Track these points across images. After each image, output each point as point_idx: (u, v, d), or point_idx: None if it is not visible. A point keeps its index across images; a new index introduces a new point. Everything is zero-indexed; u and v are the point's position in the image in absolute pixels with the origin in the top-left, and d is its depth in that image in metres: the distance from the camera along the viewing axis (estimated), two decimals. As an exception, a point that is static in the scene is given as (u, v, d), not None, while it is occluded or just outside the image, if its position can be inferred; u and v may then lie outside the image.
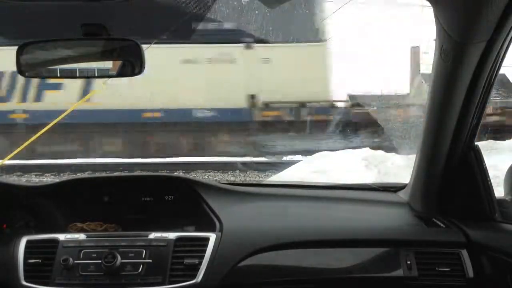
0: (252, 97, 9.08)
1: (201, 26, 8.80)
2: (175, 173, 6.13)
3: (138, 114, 8.91)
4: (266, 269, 1.49)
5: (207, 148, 9.05)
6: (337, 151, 7.22)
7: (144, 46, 1.42)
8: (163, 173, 3.85)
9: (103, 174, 2.01)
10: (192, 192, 1.76)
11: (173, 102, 8.64)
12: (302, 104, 9.15)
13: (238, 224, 1.61)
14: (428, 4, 1.27)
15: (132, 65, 1.45)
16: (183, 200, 1.78)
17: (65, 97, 8.85)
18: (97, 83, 8.80)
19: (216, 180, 2.33)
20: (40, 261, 1.45)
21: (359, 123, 9.05)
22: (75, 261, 1.42)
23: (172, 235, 1.49)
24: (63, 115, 8.32)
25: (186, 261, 1.43)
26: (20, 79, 8.87)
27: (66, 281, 1.40)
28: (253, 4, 8.29)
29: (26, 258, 1.45)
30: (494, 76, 1.36)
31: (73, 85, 8.85)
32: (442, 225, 1.59)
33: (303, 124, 9.18)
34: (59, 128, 8.80)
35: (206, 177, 7.44)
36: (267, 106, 9.16)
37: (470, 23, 1.24)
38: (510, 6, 1.16)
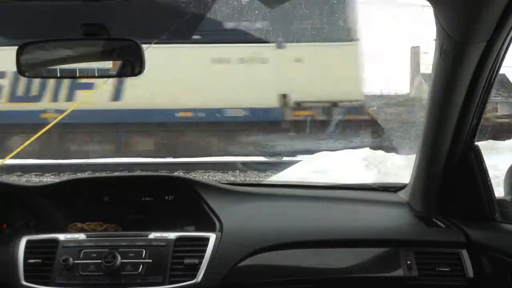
0: (284, 96, 9.02)
1: (230, 25, 8.77)
2: (175, 173, 6.13)
3: (171, 113, 8.90)
4: (266, 269, 1.49)
5: (239, 147, 9.01)
6: (337, 151, 7.22)
7: (144, 46, 1.42)
8: (163, 173, 3.85)
9: (103, 174, 2.01)
10: (192, 192, 1.76)
11: (205, 101, 8.63)
12: (334, 104, 9.08)
13: (238, 224, 1.61)
14: (428, 4, 1.27)
15: (132, 65, 1.45)
16: (183, 200, 1.78)
17: (96, 96, 8.88)
18: (129, 83, 8.81)
19: (216, 180, 2.33)
20: (40, 261, 1.45)
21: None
22: (75, 261, 1.42)
23: (172, 235, 1.49)
24: (63, 115, 8.34)
25: (186, 261, 1.43)
26: (51, 79, 8.91)
27: (66, 281, 1.40)
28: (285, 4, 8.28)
29: (26, 258, 1.45)
30: (494, 76, 1.36)
31: (105, 85, 8.88)
32: (442, 225, 1.59)
33: (335, 123, 9.13)
34: (93, 128, 8.91)
35: (206, 177, 7.45)
36: (298, 105, 9.10)
37: (470, 23, 1.24)
38: (510, 6, 1.16)
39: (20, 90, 9.08)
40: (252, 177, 7.79)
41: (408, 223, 1.67)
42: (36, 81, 8.93)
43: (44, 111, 9.08)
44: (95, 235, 1.56)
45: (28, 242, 1.49)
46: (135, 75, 1.45)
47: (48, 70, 1.58)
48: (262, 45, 8.90)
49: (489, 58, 1.30)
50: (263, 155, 9.08)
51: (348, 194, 1.94)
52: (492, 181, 1.54)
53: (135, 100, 8.83)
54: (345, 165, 6.57)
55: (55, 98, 9.14)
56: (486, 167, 1.53)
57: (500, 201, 1.55)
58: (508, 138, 7.87)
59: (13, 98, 9.08)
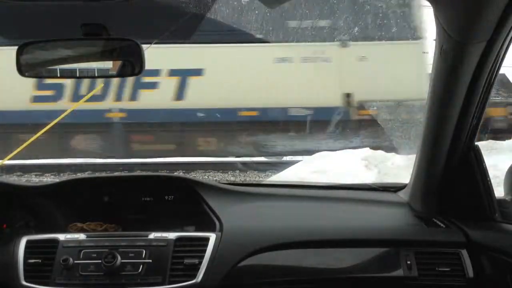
0: (348, 95, 8.97)
1: (293, 24, 8.74)
2: (175, 173, 6.13)
3: (234, 112, 8.88)
4: (266, 269, 1.49)
5: (304, 147, 8.97)
6: (337, 151, 7.22)
7: (144, 46, 1.42)
8: (163, 173, 3.85)
9: (103, 174, 2.02)
10: (192, 192, 1.76)
11: (269, 101, 8.60)
12: (399, 103, 9.08)
13: (238, 224, 1.61)
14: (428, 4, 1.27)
15: (132, 65, 1.45)
16: (183, 200, 1.78)
17: (160, 96, 8.88)
18: (192, 82, 8.82)
19: (216, 180, 2.33)
20: (40, 261, 1.45)
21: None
22: (75, 261, 1.42)
23: (172, 235, 1.49)
24: (63, 115, 8.34)
25: (186, 261, 1.44)
26: (114, 78, 8.82)
27: (66, 281, 1.40)
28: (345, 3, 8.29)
29: (26, 258, 1.45)
30: (494, 76, 1.36)
31: (168, 84, 8.89)
32: (442, 225, 1.59)
33: (401, 122, 9.07)
34: (155, 127, 8.89)
35: (206, 177, 7.44)
36: (362, 104, 9.02)
37: (470, 23, 1.24)
38: (510, 6, 1.16)
39: (83, 90, 9.06)
40: (252, 177, 7.79)
41: (408, 223, 1.67)
42: (99, 80, 8.91)
43: (109, 111, 9.07)
44: (95, 235, 1.56)
45: (28, 242, 1.49)
46: (135, 75, 1.45)
47: (48, 70, 1.58)
48: (325, 44, 8.81)
49: (489, 58, 1.30)
50: (262, 155, 9.08)
51: (348, 194, 1.94)
52: (492, 181, 1.54)
53: (198, 100, 8.81)
54: (345, 165, 6.57)
55: (118, 98, 9.08)
56: (486, 167, 1.53)
57: (500, 201, 1.55)
58: (508, 138, 7.86)
59: (76, 97, 9.06)
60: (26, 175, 8.08)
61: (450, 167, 1.54)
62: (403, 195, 1.83)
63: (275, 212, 1.74)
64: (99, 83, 8.94)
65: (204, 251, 1.45)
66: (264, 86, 8.50)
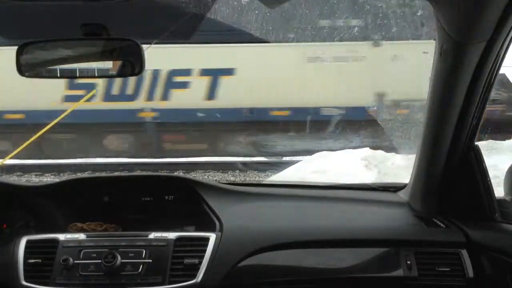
0: (380, 95, 8.88)
1: (324, 23, 8.72)
2: (175, 173, 6.13)
3: (265, 112, 8.85)
4: (266, 269, 1.49)
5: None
6: (337, 151, 7.22)
7: (144, 46, 1.42)
8: (163, 173, 3.85)
9: (103, 174, 2.01)
10: (192, 192, 1.76)
11: (301, 100, 8.57)
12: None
13: (238, 224, 1.61)
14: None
15: (132, 65, 1.45)
16: (183, 200, 1.78)
17: (191, 95, 8.89)
18: (224, 82, 8.82)
19: (216, 180, 2.33)
20: (40, 261, 1.45)
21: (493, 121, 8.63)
22: (75, 261, 1.42)
23: (172, 235, 1.49)
24: (63, 115, 8.34)
25: (186, 261, 1.44)
26: (146, 78, 8.93)
27: (66, 281, 1.40)
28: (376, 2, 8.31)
29: (26, 258, 1.45)
30: (494, 76, 1.36)
31: (200, 84, 8.90)
32: (442, 225, 1.59)
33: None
34: (187, 126, 8.89)
35: (206, 177, 7.45)
36: (396, 103, 8.94)
37: (470, 23, 1.24)
38: (510, 6, 1.16)
39: (115, 89, 9.10)
40: (252, 177, 7.79)
41: (408, 223, 1.67)
42: (132, 80, 8.98)
43: (141, 110, 9.09)
44: (95, 235, 1.56)
45: (28, 242, 1.49)
46: (135, 75, 1.45)
47: (48, 70, 1.58)
48: (358, 43, 8.77)
49: (489, 58, 1.30)
50: (263, 155, 9.07)
51: (348, 194, 1.94)
52: (492, 181, 1.54)
53: (229, 100, 8.81)
54: (345, 165, 6.57)
55: (150, 97, 9.09)
56: (486, 167, 1.53)
57: (500, 201, 1.55)
58: (508, 138, 7.85)
59: (107, 97, 9.09)
60: (26, 175, 8.08)
61: (450, 167, 1.54)
62: (403, 195, 1.83)
63: (275, 212, 1.74)
64: (116, 83, 8.90)
65: (204, 251, 1.45)
66: (296, 86, 8.45)
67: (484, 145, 6.65)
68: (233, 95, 8.75)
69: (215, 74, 8.89)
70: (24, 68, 1.44)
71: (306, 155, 7.69)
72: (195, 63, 8.75)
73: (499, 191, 1.58)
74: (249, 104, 8.74)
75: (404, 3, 8.85)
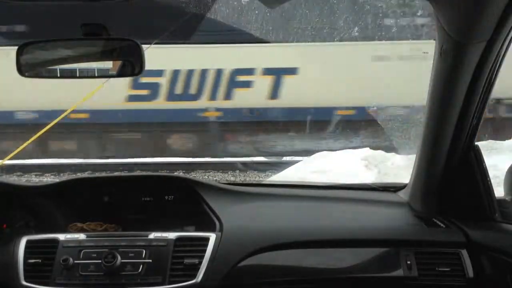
0: None
1: (389, 22, 8.68)
2: (175, 173, 6.13)
3: (330, 111, 8.78)
4: (266, 269, 1.49)
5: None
6: (337, 151, 7.22)
7: (144, 46, 1.42)
8: (163, 173, 3.85)
9: (103, 174, 2.02)
10: (192, 192, 1.76)
11: (366, 100, 8.47)
12: (497, 101, 8.73)
13: (238, 224, 1.61)
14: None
15: (132, 65, 1.45)
16: (183, 200, 1.78)
17: (254, 94, 8.87)
18: (287, 82, 8.79)
19: (216, 180, 2.34)
20: (40, 261, 1.45)
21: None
22: (75, 261, 1.42)
23: (172, 235, 1.49)
24: (63, 115, 8.32)
25: (186, 261, 1.44)
26: (209, 77, 8.95)
27: (66, 281, 1.40)
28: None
29: (26, 258, 1.45)
30: (494, 76, 1.36)
31: (263, 83, 8.87)
32: (442, 225, 1.59)
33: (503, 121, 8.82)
34: (250, 126, 8.89)
35: (206, 177, 7.44)
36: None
37: (470, 23, 1.24)
38: (510, 6, 1.16)
39: (179, 89, 9.11)
40: (252, 177, 7.79)
41: (408, 223, 1.67)
42: (195, 80, 9.01)
43: (205, 110, 9.09)
44: (95, 235, 1.56)
45: (28, 242, 1.49)
46: (135, 75, 1.45)
47: (48, 70, 1.58)
48: (422, 42, 8.62)
49: (489, 58, 1.30)
50: (263, 155, 9.07)
51: (348, 194, 1.94)
52: (492, 181, 1.54)
53: (293, 99, 8.76)
54: (345, 165, 6.57)
55: (213, 97, 9.08)
56: (486, 167, 1.53)
57: (500, 201, 1.55)
58: (508, 138, 7.85)
59: (171, 96, 9.12)
60: (26, 175, 8.08)
61: (450, 167, 1.54)
62: (403, 195, 1.83)
63: (275, 212, 1.74)
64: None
65: (204, 251, 1.45)
66: (361, 85, 8.34)
67: (484, 145, 6.65)
68: (296, 94, 8.67)
69: (278, 73, 8.87)
70: (24, 68, 1.44)
71: (306, 155, 7.69)
72: (258, 62, 8.75)
73: (499, 191, 1.58)
74: (313, 103, 8.68)
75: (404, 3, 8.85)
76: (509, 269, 1.40)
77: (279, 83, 8.90)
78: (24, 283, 1.40)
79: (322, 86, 8.42)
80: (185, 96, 9.04)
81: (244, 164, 8.31)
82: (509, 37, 1.27)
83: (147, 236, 1.50)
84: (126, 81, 8.63)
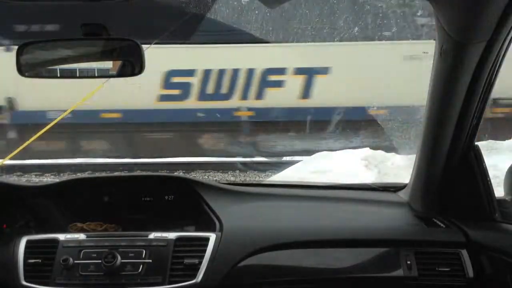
0: None
1: (422, 21, 8.64)
2: (175, 173, 6.14)
3: (362, 111, 8.71)
4: (266, 269, 1.49)
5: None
6: (337, 151, 7.22)
7: (144, 46, 1.42)
8: (163, 173, 3.85)
9: (103, 174, 2.02)
10: (192, 192, 1.76)
11: (399, 99, 8.27)
12: (494, 101, 8.59)
13: (238, 224, 1.61)
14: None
15: (132, 65, 1.45)
16: (183, 200, 1.78)
17: (286, 94, 8.85)
18: (319, 81, 8.77)
19: (216, 180, 2.33)
20: (40, 261, 1.45)
21: None
22: (75, 261, 1.42)
23: (172, 235, 1.49)
24: (63, 115, 8.33)
25: (186, 261, 1.43)
26: (240, 77, 8.96)
27: (66, 281, 1.40)
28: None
29: (26, 258, 1.45)
30: (494, 76, 1.36)
31: (295, 82, 8.85)
32: (442, 225, 1.59)
33: None
34: (281, 126, 8.86)
35: (206, 177, 7.44)
36: (495, 102, 8.63)
37: (470, 23, 1.24)
38: (510, 6, 1.16)
39: (210, 88, 9.13)
40: (252, 177, 7.79)
41: (408, 223, 1.67)
42: (226, 79, 9.03)
43: (237, 109, 9.09)
44: (95, 235, 1.56)
45: (28, 242, 1.49)
46: (135, 75, 1.45)
47: (48, 70, 1.58)
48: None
49: (489, 58, 1.30)
50: (263, 155, 9.07)
51: (348, 194, 1.94)
52: (492, 181, 1.54)
53: (325, 98, 8.72)
54: (345, 165, 6.57)
55: (244, 96, 9.09)
56: (486, 167, 1.53)
57: (500, 201, 1.55)
58: (508, 138, 7.84)
59: (202, 96, 9.14)
60: (26, 175, 8.08)
61: (450, 167, 1.54)
62: (403, 195, 1.83)
63: (275, 212, 1.74)
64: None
65: (204, 251, 1.45)
66: (393, 84, 8.30)
67: (484, 145, 6.65)
68: (328, 94, 8.64)
69: (310, 73, 8.85)
70: (24, 68, 1.44)
71: (306, 155, 7.69)
72: (289, 62, 8.72)
73: (499, 191, 1.58)
74: (345, 103, 8.60)
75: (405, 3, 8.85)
76: (509, 269, 1.40)
77: (310, 83, 8.87)
78: (24, 283, 1.40)
79: (354, 86, 8.35)
80: (217, 95, 9.06)
81: (244, 164, 8.30)
82: (509, 37, 1.27)
83: (147, 236, 1.50)
84: (158, 80, 8.71)
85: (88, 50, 1.49)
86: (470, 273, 1.46)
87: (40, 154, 8.55)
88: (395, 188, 1.92)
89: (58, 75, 1.69)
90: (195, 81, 8.98)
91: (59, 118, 8.19)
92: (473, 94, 1.38)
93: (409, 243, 1.54)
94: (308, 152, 7.62)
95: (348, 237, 1.56)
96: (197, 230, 1.69)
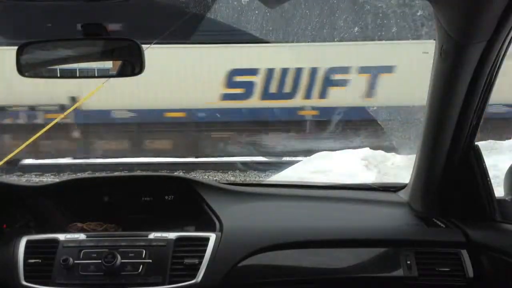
0: None
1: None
2: (175, 173, 6.14)
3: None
4: (266, 269, 1.49)
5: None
6: (337, 151, 7.22)
7: (144, 46, 1.42)
8: (163, 173, 3.85)
9: (103, 174, 2.01)
10: (192, 192, 1.76)
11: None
12: None
13: (238, 224, 1.61)
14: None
15: (132, 65, 1.45)
16: (183, 200, 1.78)
17: (350, 93, 8.80)
18: (384, 79, 8.70)
19: (216, 180, 2.33)
20: (40, 261, 1.45)
21: None
22: (75, 261, 1.42)
23: (172, 235, 1.49)
24: (65, 113, 8.35)
25: (186, 261, 1.43)
26: (304, 76, 8.93)
27: (66, 281, 1.40)
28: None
29: (26, 258, 1.45)
30: (494, 76, 1.36)
31: (358, 81, 8.82)
32: (442, 225, 1.59)
33: None
34: (347, 125, 8.80)
35: (206, 177, 7.45)
36: None
37: (470, 23, 1.24)
38: (510, 6, 1.16)
39: (273, 87, 9.13)
40: (252, 177, 7.79)
41: (408, 223, 1.67)
42: (290, 79, 9.03)
43: (302, 108, 9.09)
44: (95, 235, 1.55)
45: (28, 242, 1.49)
46: (135, 75, 1.45)
47: (48, 70, 1.58)
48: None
49: (489, 58, 1.30)
50: (263, 155, 9.07)
51: (348, 194, 1.93)
52: (492, 181, 1.54)
53: (390, 98, 8.60)
54: (345, 165, 6.57)
55: (308, 95, 9.07)
56: (486, 167, 1.53)
57: (500, 201, 1.55)
58: (508, 138, 7.84)
59: (265, 95, 9.15)
60: (26, 175, 8.09)
61: (450, 167, 1.54)
62: (403, 195, 1.83)
63: (275, 212, 1.74)
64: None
65: (204, 251, 1.45)
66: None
67: (484, 145, 6.65)
68: (394, 93, 8.54)
69: (374, 72, 8.79)
70: (24, 68, 1.44)
71: (306, 155, 7.70)
72: (353, 61, 8.73)
73: (499, 191, 1.58)
74: (409, 101, 8.66)
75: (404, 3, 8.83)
76: (509, 269, 1.40)
77: (375, 82, 8.82)
78: (24, 283, 1.40)
79: (419, 84, 8.40)
80: (280, 94, 9.06)
81: (244, 164, 8.32)
82: (509, 37, 1.27)
83: (147, 236, 1.50)
84: (221, 79, 8.79)
85: (88, 50, 1.49)
86: (470, 273, 1.46)
87: (106, 153, 8.57)
88: (395, 188, 1.92)
89: (58, 75, 1.69)
90: (258, 80, 8.99)
91: (59, 118, 8.20)
92: (473, 94, 1.38)
93: (409, 243, 1.54)
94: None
95: (348, 237, 1.56)
96: (197, 230, 1.69)
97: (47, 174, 8.13)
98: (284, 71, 8.99)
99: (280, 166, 7.44)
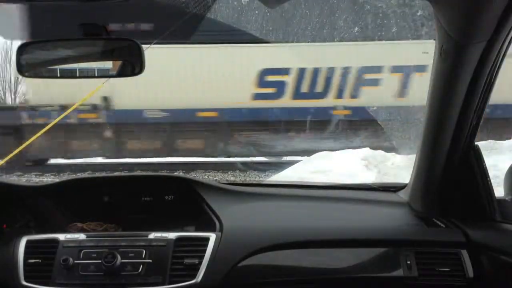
0: None
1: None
2: (175, 173, 6.13)
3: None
4: (266, 269, 1.49)
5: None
6: (337, 151, 7.22)
7: (144, 46, 1.42)
8: (163, 173, 3.85)
9: (103, 174, 2.01)
10: (192, 192, 1.76)
11: (498, 96, 8.31)
12: None
13: (238, 224, 1.61)
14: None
15: (132, 65, 1.45)
16: (183, 200, 1.78)
17: (383, 93, 8.79)
18: (416, 78, 8.63)
19: (216, 180, 2.33)
20: (40, 261, 1.45)
21: None
22: (75, 261, 1.42)
23: (172, 235, 1.49)
24: (66, 113, 8.35)
25: (186, 261, 1.43)
26: (336, 75, 8.94)
27: (66, 281, 1.40)
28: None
29: (26, 258, 1.45)
30: (494, 76, 1.36)
31: (391, 80, 8.78)
32: (442, 225, 1.59)
33: None
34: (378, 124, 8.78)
35: (206, 177, 7.45)
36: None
37: (470, 23, 1.24)
38: (510, 6, 1.16)
39: (305, 87, 9.16)
40: (252, 177, 7.80)
41: (408, 223, 1.67)
42: (322, 78, 9.04)
43: (334, 108, 9.12)
44: (95, 235, 1.55)
45: (28, 242, 1.49)
46: (135, 75, 1.45)
47: (48, 70, 1.58)
48: None
49: (489, 58, 1.30)
50: (263, 155, 9.08)
51: (348, 194, 1.93)
52: (492, 181, 1.54)
53: (419, 98, 8.62)
54: (345, 165, 6.57)
55: (339, 95, 9.11)
56: (486, 167, 1.53)
57: (500, 201, 1.55)
58: (508, 138, 7.84)
59: (297, 95, 9.18)
60: (26, 175, 8.09)
61: (450, 167, 1.54)
62: (403, 195, 1.83)
63: (275, 212, 1.74)
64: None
65: (204, 251, 1.45)
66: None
67: (484, 145, 6.65)
68: (422, 93, 8.61)
69: (406, 71, 8.76)
70: (24, 68, 1.44)
71: (306, 155, 7.70)
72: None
73: (499, 191, 1.58)
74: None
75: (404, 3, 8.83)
76: (509, 269, 1.40)
77: (408, 81, 8.78)
78: (24, 283, 1.40)
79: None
80: (312, 94, 9.09)
81: (244, 164, 8.33)
82: (509, 37, 1.27)
83: (147, 236, 1.50)
84: (253, 79, 8.88)
85: (88, 50, 1.49)
86: (470, 273, 1.46)
87: (135, 153, 8.59)
88: (395, 188, 1.92)
89: (58, 75, 1.69)
90: (290, 79, 9.01)
91: (59, 117, 8.20)
92: (473, 94, 1.38)
93: (409, 243, 1.54)
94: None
95: (348, 237, 1.56)
96: (197, 230, 1.69)
97: (47, 174, 8.13)
98: (316, 71, 9.03)
99: (280, 166, 7.44)
